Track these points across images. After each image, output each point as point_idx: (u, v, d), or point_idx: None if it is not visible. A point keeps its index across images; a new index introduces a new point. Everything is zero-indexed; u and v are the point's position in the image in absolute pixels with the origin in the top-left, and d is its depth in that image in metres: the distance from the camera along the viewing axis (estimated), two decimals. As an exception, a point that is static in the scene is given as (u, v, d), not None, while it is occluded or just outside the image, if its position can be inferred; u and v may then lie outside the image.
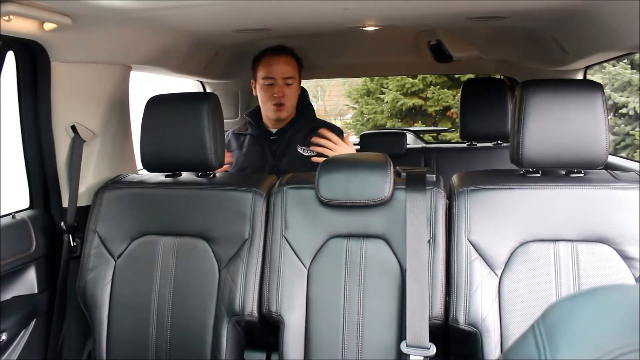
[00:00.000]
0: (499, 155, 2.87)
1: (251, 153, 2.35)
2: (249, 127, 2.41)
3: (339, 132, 2.40)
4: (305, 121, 2.38)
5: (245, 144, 2.38)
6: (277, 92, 2.28)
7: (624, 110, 7.82)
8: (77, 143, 1.86)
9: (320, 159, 1.85)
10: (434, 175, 1.69)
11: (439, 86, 9.33)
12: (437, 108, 9.46)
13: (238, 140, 2.41)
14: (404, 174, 1.70)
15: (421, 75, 9.07)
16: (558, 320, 0.49)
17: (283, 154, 2.31)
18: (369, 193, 1.62)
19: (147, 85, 2.66)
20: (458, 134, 3.09)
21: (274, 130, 2.38)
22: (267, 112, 2.34)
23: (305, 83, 3.03)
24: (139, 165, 2.03)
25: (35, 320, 1.82)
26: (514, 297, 1.53)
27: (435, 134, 8.01)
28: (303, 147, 2.31)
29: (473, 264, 1.55)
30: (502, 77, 3.38)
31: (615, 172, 1.64)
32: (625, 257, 1.52)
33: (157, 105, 1.80)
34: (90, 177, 1.95)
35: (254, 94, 2.39)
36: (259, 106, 2.45)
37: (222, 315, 1.66)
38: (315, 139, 2.15)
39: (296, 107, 2.39)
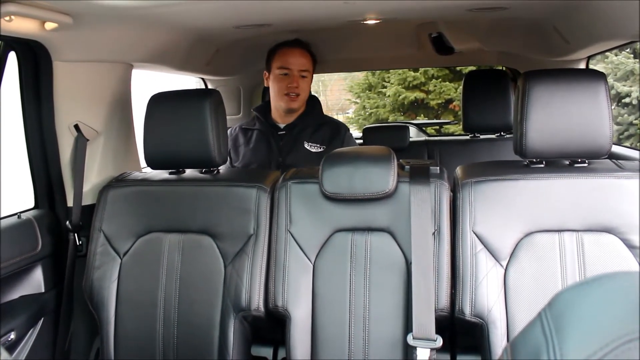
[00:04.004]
0: (502, 146, 2.86)
1: (258, 149, 2.36)
2: (257, 122, 2.43)
3: (344, 129, 2.41)
4: (313, 117, 2.39)
5: (253, 139, 2.39)
6: (292, 83, 2.30)
7: (627, 100, 7.79)
8: (81, 142, 1.86)
9: None
10: (438, 168, 1.68)
11: (440, 79, 9.31)
12: (439, 101, 9.45)
13: (245, 135, 2.42)
14: (407, 167, 1.70)
15: (423, 69, 9.05)
16: (565, 308, 0.49)
17: (290, 149, 2.32)
18: (373, 186, 1.62)
19: (149, 83, 2.66)
20: (461, 127, 3.09)
21: (282, 125, 2.38)
22: (280, 102, 2.35)
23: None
24: (143, 163, 2.03)
25: (42, 319, 1.83)
26: (520, 288, 1.53)
27: (437, 127, 8.00)
28: (310, 143, 2.32)
29: (478, 256, 1.55)
30: (504, 68, 3.37)
31: (619, 161, 1.63)
32: (630, 246, 1.52)
33: (160, 102, 1.80)
34: (94, 176, 1.95)
35: (266, 84, 2.41)
36: (267, 101, 2.47)
37: (228, 311, 1.67)
38: None
39: (305, 102, 2.40)
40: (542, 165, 1.63)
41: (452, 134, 6.89)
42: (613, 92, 7.67)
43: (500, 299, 1.53)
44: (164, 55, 2.12)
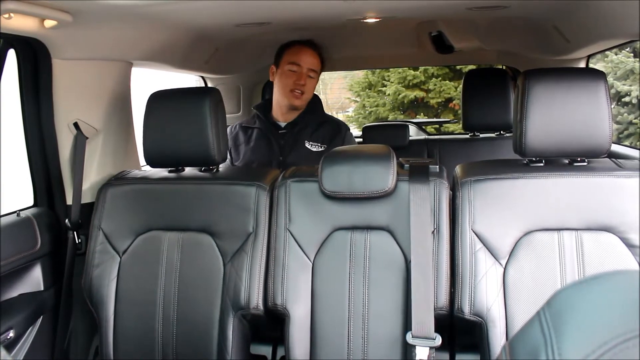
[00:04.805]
0: (501, 145, 2.86)
1: (258, 147, 2.35)
2: (257, 120, 2.42)
3: (344, 127, 2.41)
4: (314, 116, 2.39)
5: (253, 137, 2.39)
6: (300, 80, 2.31)
7: (626, 99, 7.77)
8: (80, 140, 1.86)
9: None
10: (437, 166, 1.68)
11: (440, 78, 9.30)
12: (439, 100, 9.43)
13: (246, 133, 2.42)
14: (407, 166, 1.70)
15: (422, 67, 9.04)
16: (563, 306, 0.49)
17: (291, 148, 2.32)
18: (372, 185, 1.62)
19: (149, 81, 2.66)
20: (460, 126, 3.09)
21: (282, 124, 2.38)
22: (284, 98, 2.34)
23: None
24: (142, 161, 2.03)
25: (41, 317, 1.83)
26: (519, 287, 1.53)
27: (437, 126, 7.99)
28: (311, 142, 2.32)
29: (477, 254, 1.55)
30: (503, 67, 3.37)
31: (618, 160, 1.63)
32: (630, 245, 1.52)
33: (159, 100, 1.80)
34: (93, 174, 1.95)
35: (271, 79, 2.41)
36: (267, 100, 2.47)
37: (227, 309, 1.67)
38: None
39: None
40: (542, 164, 1.63)
41: (451, 133, 6.89)
42: (613, 91, 7.66)
43: (499, 298, 1.53)
44: (164, 53, 2.12)
